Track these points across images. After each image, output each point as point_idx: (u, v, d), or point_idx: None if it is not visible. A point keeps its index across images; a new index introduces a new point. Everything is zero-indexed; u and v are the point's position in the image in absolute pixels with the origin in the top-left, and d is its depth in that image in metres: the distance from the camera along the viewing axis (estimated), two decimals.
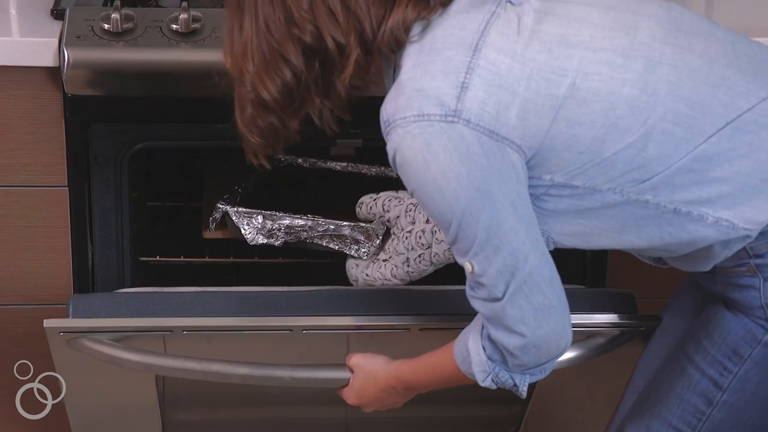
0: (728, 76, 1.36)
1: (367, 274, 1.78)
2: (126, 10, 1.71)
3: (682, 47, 1.36)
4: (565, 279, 1.87)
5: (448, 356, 1.45)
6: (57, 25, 1.75)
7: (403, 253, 1.74)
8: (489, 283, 1.34)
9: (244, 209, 1.81)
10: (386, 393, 1.55)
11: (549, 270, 1.36)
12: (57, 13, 1.78)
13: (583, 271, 1.89)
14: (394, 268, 1.75)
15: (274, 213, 1.80)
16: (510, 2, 1.34)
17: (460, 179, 1.29)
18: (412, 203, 1.73)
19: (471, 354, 1.41)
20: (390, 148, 1.32)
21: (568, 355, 1.59)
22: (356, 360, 1.57)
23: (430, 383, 1.51)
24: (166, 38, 1.71)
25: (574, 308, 1.63)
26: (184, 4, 1.73)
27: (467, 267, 1.35)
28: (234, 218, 1.80)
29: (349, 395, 1.58)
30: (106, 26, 1.70)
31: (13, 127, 1.78)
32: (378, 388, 1.55)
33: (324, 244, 1.82)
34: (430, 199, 1.32)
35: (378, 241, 1.79)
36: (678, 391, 1.48)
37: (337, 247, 1.81)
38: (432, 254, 1.70)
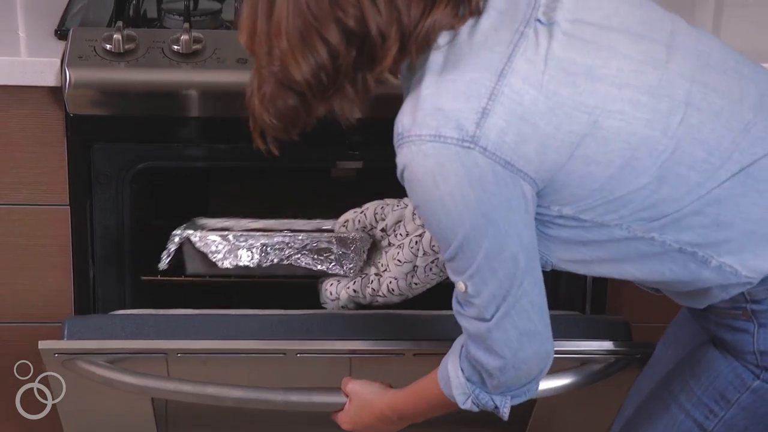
0: (748, 120, 1.33)
1: (354, 290, 1.72)
2: (128, 31, 1.73)
3: (707, 86, 1.33)
4: (566, 305, 1.87)
5: (433, 382, 1.44)
6: (61, 46, 1.76)
7: (410, 261, 1.68)
8: (480, 304, 1.32)
9: (212, 231, 1.71)
10: (381, 421, 1.54)
11: (540, 297, 1.35)
12: (61, 34, 1.79)
13: (584, 297, 1.88)
14: (393, 281, 1.70)
15: (245, 232, 1.72)
16: (539, 21, 1.31)
17: (468, 204, 1.27)
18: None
19: (450, 377, 1.41)
20: (400, 162, 1.29)
21: (564, 381, 1.59)
22: (353, 387, 1.56)
23: (421, 410, 1.50)
24: (168, 59, 1.72)
25: (570, 335, 1.63)
26: (186, 25, 1.74)
27: (460, 286, 1.33)
28: (197, 242, 1.70)
29: (344, 420, 1.58)
30: (108, 47, 1.71)
31: (16, 146, 1.79)
32: (373, 417, 1.55)
33: (304, 264, 1.74)
34: (434, 219, 1.30)
35: (365, 256, 1.72)
36: (661, 429, 1.46)
37: (318, 266, 1.73)
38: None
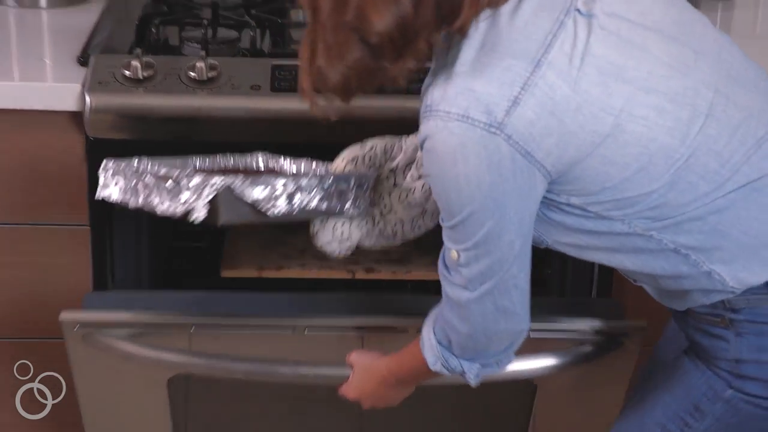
0: (761, 135, 1.36)
1: (367, 231, 1.67)
2: (147, 58, 1.79)
3: (728, 99, 1.35)
4: (573, 292, 1.92)
5: (418, 344, 1.51)
6: (83, 72, 1.83)
7: (420, 205, 1.62)
8: (468, 276, 1.36)
9: (253, 177, 1.54)
10: (381, 386, 1.60)
11: (524, 281, 1.38)
12: (83, 60, 1.86)
13: (591, 284, 1.93)
14: (398, 224, 1.65)
15: (281, 176, 1.56)
16: (579, 11, 1.32)
17: (482, 186, 1.30)
18: None
19: (424, 339, 1.47)
20: (423, 132, 1.31)
21: (555, 361, 1.69)
22: (355, 356, 1.62)
23: (412, 372, 1.55)
24: (184, 85, 1.78)
25: (561, 315, 1.71)
26: (203, 53, 1.80)
27: (453, 254, 1.36)
28: (238, 191, 1.52)
29: (349, 390, 1.62)
30: (127, 73, 1.78)
31: (38, 168, 1.85)
32: (374, 382, 1.60)
33: (324, 208, 1.59)
34: (444, 192, 1.32)
35: (371, 193, 1.64)
36: None
37: (337, 208, 1.59)
38: None
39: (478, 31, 1.31)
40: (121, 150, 1.78)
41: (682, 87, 1.33)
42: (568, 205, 1.36)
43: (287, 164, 1.72)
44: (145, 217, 1.85)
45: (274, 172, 1.62)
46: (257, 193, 1.52)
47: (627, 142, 1.31)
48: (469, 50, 1.31)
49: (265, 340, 1.71)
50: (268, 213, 1.53)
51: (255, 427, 1.91)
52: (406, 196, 1.61)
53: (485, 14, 1.30)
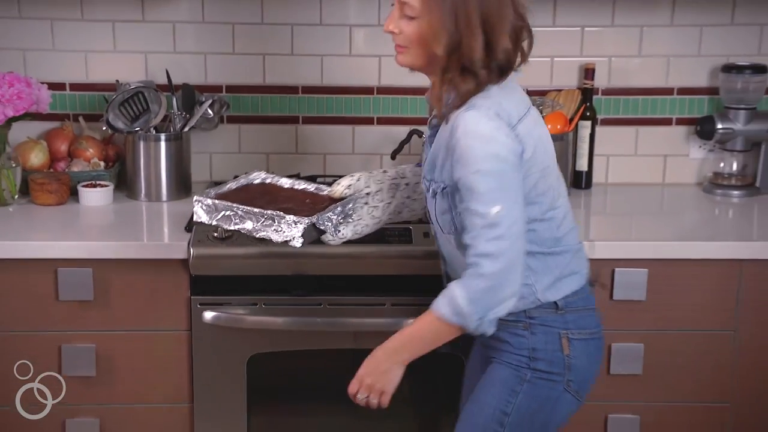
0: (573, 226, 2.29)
1: (356, 232, 2.45)
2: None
3: (567, 206, 2.27)
4: None
5: (423, 316, 2.14)
6: (188, 235, 2.69)
7: (380, 218, 2.45)
8: (504, 222, 2.08)
9: (321, 214, 2.38)
10: (371, 361, 2.19)
11: (521, 226, 2.13)
12: (188, 228, 2.79)
13: None
14: (366, 227, 2.45)
15: (329, 211, 2.40)
16: (533, 106, 2.18)
17: (501, 154, 2.06)
18: (393, 183, 2.47)
19: (444, 296, 2.10)
20: (461, 120, 2.09)
21: None
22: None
23: (405, 338, 2.17)
24: (249, 240, 2.65)
25: None
26: None
27: (493, 211, 2.06)
28: (317, 224, 2.37)
29: (354, 381, 2.23)
30: (215, 235, 2.71)
31: (158, 296, 2.69)
32: (370, 361, 2.20)
33: (341, 221, 2.43)
34: (476, 156, 2.08)
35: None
36: (482, 420, 2.20)
37: (341, 219, 2.42)
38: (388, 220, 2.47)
39: (494, 85, 2.11)
40: (211, 282, 2.69)
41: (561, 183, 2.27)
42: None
43: (284, 181, 2.61)
44: None
45: (329, 207, 2.43)
46: (322, 225, 2.37)
47: (546, 181, 2.16)
48: (493, 89, 2.11)
49: (305, 310, 2.63)
50: (329, 235, 2.41)
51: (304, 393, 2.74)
52: (373, 211, 2.45)
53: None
